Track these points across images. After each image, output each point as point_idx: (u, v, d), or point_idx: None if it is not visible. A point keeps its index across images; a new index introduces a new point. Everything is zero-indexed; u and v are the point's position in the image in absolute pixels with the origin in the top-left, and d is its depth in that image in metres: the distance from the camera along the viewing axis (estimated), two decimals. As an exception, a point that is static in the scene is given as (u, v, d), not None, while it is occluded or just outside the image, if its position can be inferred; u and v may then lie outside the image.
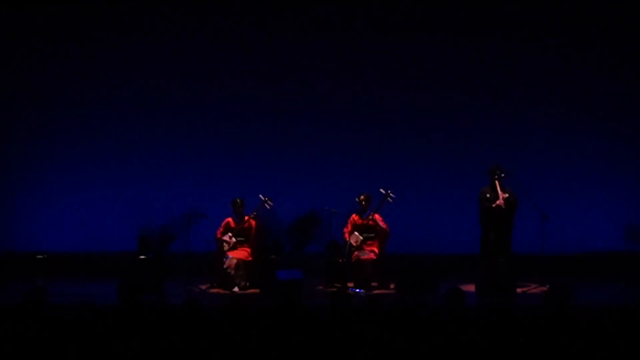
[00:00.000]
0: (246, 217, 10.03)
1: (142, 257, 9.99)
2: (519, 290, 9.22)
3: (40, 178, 11.70)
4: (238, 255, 9.80)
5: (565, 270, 10.05)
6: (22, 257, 10.93)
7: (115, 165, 11.65)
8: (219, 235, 10.03)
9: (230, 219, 10.10)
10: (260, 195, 9.97)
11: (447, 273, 9.74)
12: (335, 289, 9.42)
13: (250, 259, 9.89)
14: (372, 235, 9.81)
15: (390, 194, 9.75)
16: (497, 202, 9.49)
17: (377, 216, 9.73)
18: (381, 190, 9.79)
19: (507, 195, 9.54)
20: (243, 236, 10.00)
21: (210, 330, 5.89)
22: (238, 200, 10.04)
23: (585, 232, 11.03)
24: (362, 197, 9.89)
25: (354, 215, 10.02)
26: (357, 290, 9.48)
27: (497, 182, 9.59)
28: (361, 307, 8.42)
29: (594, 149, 11.30)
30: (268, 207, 9.95)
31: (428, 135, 11.51)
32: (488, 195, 9.60)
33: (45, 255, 10.56)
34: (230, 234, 9.94)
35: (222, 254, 9.82)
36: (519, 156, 11.07)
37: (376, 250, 9.74)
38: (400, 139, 11.52)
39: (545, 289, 9.00)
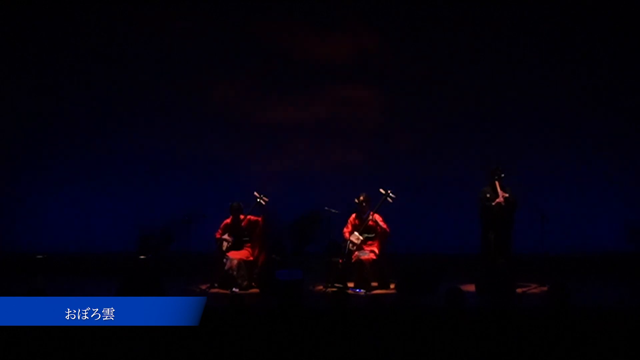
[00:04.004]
0: (250, 217, 10.01)
1: (142, 257, 9.98)
2: (519, 290, 9.21)
3: (40, 178, 11.72)
4: (238, 255, 9.79)
5: (565, 270, 10.05)
6: (22, 257, 10.93)
7: (115, 166, 11.67)
8: (218, 236, 10.02)
9: (229, 220, 10.08)
10: (255, 193, 9.96)
11: (447, 272, 9.71)
12: (335, 289, 9.41)
13: (251, 258, 9.88)
14: (372, 235, 9.80)
15: (390, 194, 9.74)
16: (497, 200, 9.49)
17: (377, 216, 9.72)
18: (381, 190, 9.79)
19: (507, 195, 9.54)
20: (244, 236, 9.99)
21: (209, 330, 5.89)
22: (235, 205, 10.01)
23: (585, 232, 11.04)
24: (361, 197, 9.87)
25: (353, 215, 10.02)
26: (357, 290, 9.48)
27: (497, 182, 9.59)
28: (361, 307, 8.42)
29: (594, 149, 11.31)
30: (263, 203, 9.93)
31: (428, 135, 11.52)
32: (488, 195, 9.61)
33: (45, 255, 10.56)
34: (227, 234, 9.93)
35: (222, 255, 9.81)
36: (519, 156, 11.08)
37: (376, 250, 9.74)
38: (400, 139, 11.52)
39: (545, 289, 9.00)
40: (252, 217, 10.03)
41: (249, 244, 9.98)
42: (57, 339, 5.73)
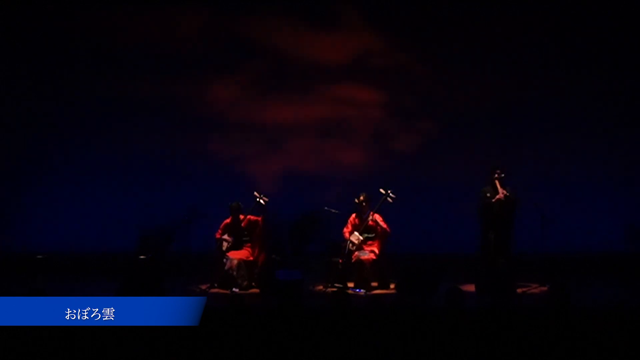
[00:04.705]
0: (249, 217, 10.01)
1: (142, 257, 9.97)
2: (519, 290, 9.21)
3: (40, 178, 11.72)
4: (238, 255, 9.79)
5: (565, 270, 10.05)
6: (22, 257, 10.93)
7: (115, 166, 11.67)
8: (218, 236, 10.02)
9: (229, 220, 10.08)
10: (255, 193, 9.96)
11: (447, 272, 9.71)
12: (335, 289, 9.41)
13: (251, 258, 9.88)
14: (372, 235, 9.80)
15: (390, 194, 9.73)
16: (497, 196, 9.48)
17: (377, 216, 9.72)
18: (381, 190, 9.78)
19: (507, 194, 9.53)
20: (244, 236, 9.99)
21: (209, 330, 5.89)
22: (235, 205, 10.00)
23: (585, 232, 11.02)
24: (361, 197, 9.86)
25: (353, 215, 10.01)
26: (357, 290, 9.48)
27: (497, 181, 9.59)
28: (361, 307, 8.42)
29: (594, 149, 11.31)
30: (263, 203, 9.93)
31: (428, 135, 11.52)
32: (489, 195, 9.60)
33: (45, 255, 10.55)
34: (227, 234, 9.93)
35: (222, 255, 9.81)
36: (519, 156, 11.08)
37: (376, 250, 9.73)
38: (400, 139, 11.52)
39: (545, 289, 9.00)
40: (252, 217, 10.02)
41: (249, 244, 9.98)
42: (57, 339, 5.73)
